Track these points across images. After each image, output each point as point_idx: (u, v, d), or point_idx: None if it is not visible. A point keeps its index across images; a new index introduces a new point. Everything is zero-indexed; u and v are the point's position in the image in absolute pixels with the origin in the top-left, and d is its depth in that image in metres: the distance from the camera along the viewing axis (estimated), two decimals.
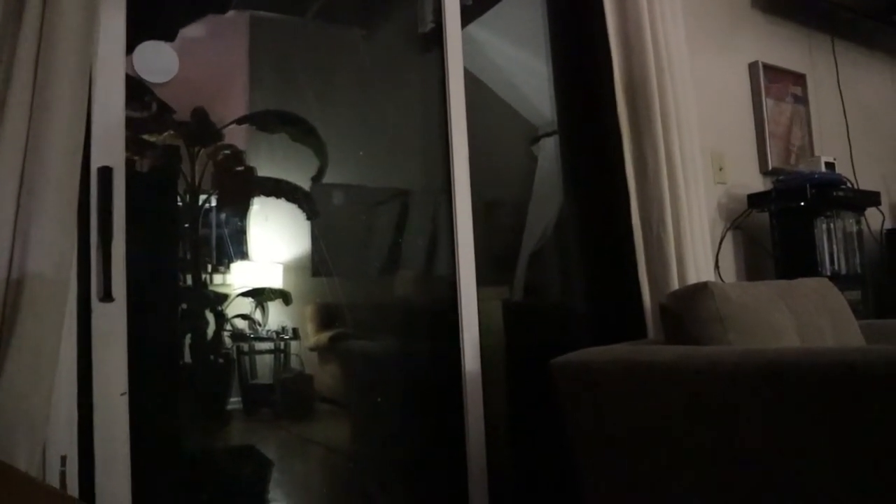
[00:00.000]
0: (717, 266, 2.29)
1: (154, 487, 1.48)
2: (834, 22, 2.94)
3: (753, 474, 1.21)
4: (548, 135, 2.38)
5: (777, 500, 1.18)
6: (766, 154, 2.60)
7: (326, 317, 1.98)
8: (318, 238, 1.92)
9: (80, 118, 1.25)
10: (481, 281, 1.95)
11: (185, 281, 1.77)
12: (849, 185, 2.49)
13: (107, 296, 1.35)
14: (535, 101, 2.41)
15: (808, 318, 1.67)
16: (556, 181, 2.34)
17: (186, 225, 1.78)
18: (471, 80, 2.08)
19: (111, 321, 1.37)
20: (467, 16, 2.12)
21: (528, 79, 2.43)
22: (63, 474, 1.24)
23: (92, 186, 1.37)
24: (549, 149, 2.38)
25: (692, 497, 1.31)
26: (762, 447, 1.20)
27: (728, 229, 2.42)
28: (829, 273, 2.29)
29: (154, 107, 1.65)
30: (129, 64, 1.52)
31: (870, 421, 1.07)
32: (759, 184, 2.58)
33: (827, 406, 1.11)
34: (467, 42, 2.09)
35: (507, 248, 2.32)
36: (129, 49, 1.50)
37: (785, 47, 2.81)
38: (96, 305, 1.35)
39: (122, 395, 1.36)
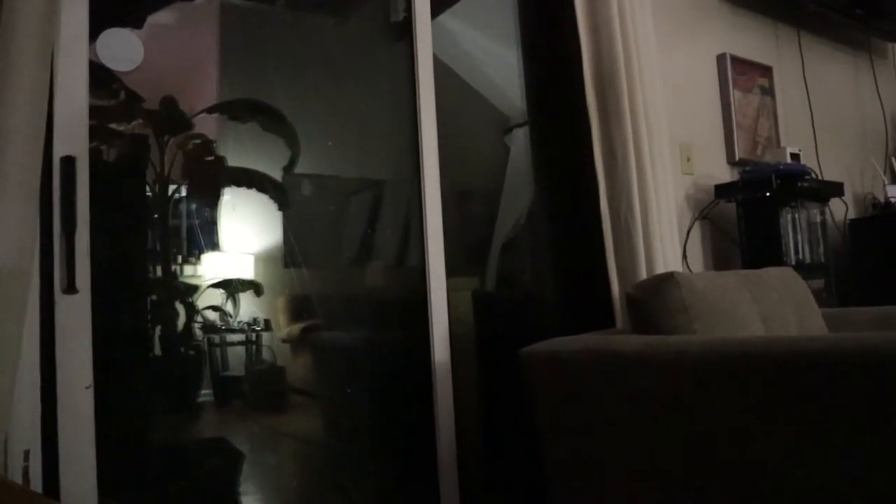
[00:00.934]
0: (684, 256, 2.32)
1: (121, 482, 1.47)
2: (800, 15, 2.99)
3: (720, 461, 1.24)
4: (520, 125, 2.39)
5: (744, 485, 1.20)
6: (733, 145, 2.64)
7: (298, 308, 1.97)
8: (290, 229, 1.90)
9: (40, 106, 1.22)
10: (452, 271, 1.96)
11: (154, 272, 1.75)
12: (813, 175, 2.53)
13: (70, 288, 1.33)
14: (508, 91, 2.42)
15: (772, 306, 1.71)
16: (527, 171, 2.35)
17: (155, 215, 1.76)
18: (445, 71, 2.08)
19: (75, 313, 1.35)
20: (439, 5, 2.12)
21: (501, 69, 2.44)
22: (26, 469, 1.22)
23: (55, 176, 1.35)
24: (521, 139, 2.39)
25: (660, 483, 1.34)
26: (727, 434, 1.22)
27: (696, 219, 2.45)
28: (793, 262, 2.33)
29: (122, 95, 1.63)
30: (94, 52, 1.49)
31: (831, 408, 1.09)
32: (726, 174, 2.62)
33: (790, 393, 1.14)
34: (441, 32, 2.09)
35: (479, 238, 2.32)
36: (94, 36, 1.48)
37: (752, 39, 2.85)
38: (60, 297, 1.33)
39: (87, 388, 1.35)
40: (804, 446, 1.12)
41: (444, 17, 2.20)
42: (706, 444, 1.25)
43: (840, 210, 2.81)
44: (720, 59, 2.69)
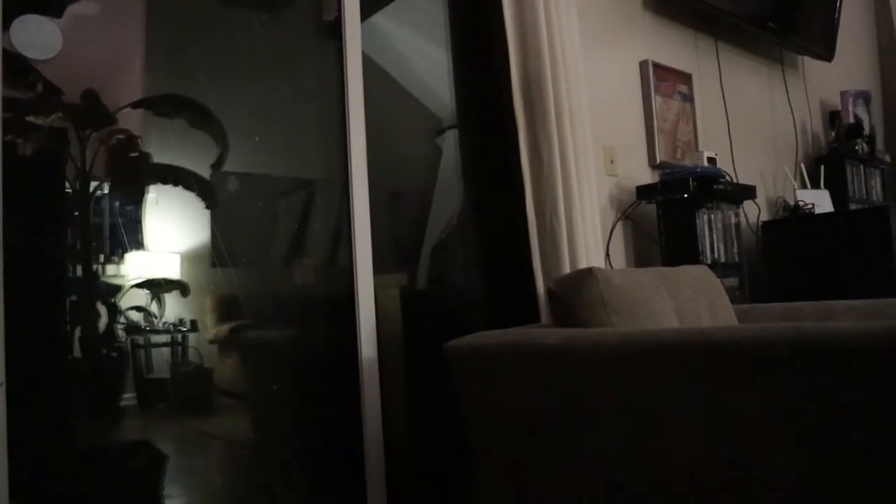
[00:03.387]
0: (607, 254, 2.40)
1: (36, 485, 1.42)
2: (718, 26, 3.12)
3: (637, 448, 1.27)
4: (452, 127, 2.42)
5: (661, 474, 1.25)
6: (654, 148, 2.74)
7: (226, 308, 1.94)
8: (218, 227, 1.88)
9: None
10: (382, 269, 1.97)
11: (74, 271, 1.70)
12: (728, 179, 2.64)
13: None
14: (440, 93, 2.45)
15: (686, 302, 1.78)
16: (459, 173, 2.39)
17: (76, 212, 1.71)
18: (377, 71, 2.09)
19: None
20: (371, 5, 2.13)
21: (433, 72, 2.47)
22: None
23: None
24: (453, 141, 2.42)
25: (580, 473, 1.37)
26: (643, 423, 1.26)
27: (618, 219, 2.53)
28: (709, 261, 2.43)
29: (39, 87, 1.58)
30: (7, 40, 1.45)
31: (739, 396, 1.14)
32: (647, 176, 2.71)
33: (700, 382, 1.19)
34: (374, 32, 2.10)
35: (411, 237, 2.34)
36: (7, 23, 1.43)
37: (673, 48, 2.96)
38: None
39: None
40: (715, 434, 1.17)
41: (376, 18, 2.22)
42: (624, 434, 1.29)
43: (753, 212, 2.95)
44: (643, 65, 2.79)
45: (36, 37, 1.54)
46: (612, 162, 2.55)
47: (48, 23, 1.58)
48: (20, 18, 1.49)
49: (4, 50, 1.40)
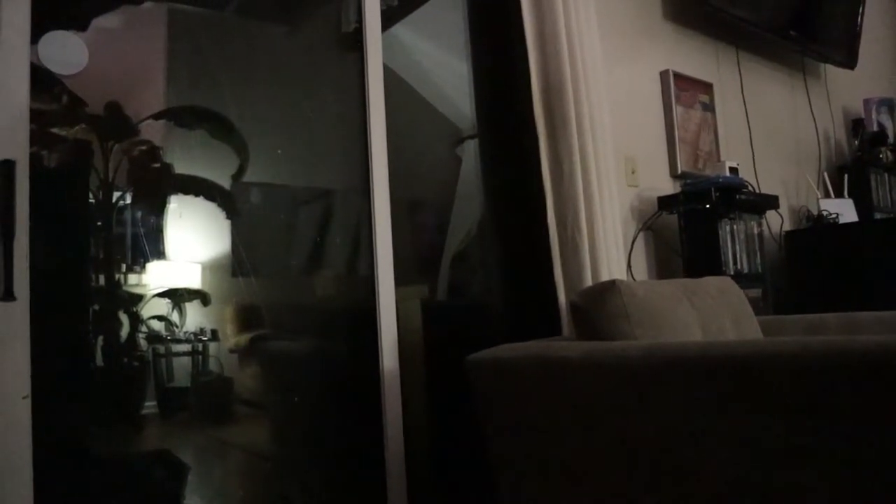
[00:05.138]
0: (629, 265, 2.38)
1: (60, 495, 1.43)
2: (738, 35, 3.10)
3: (659, 462, 1.26)
4: (471, 137, 2.42)
5: (681, 484, 1.23)
6: (675, 158, 2.72)
7: (246, 318, 1.94)
8: (238, 237, 1.89)
9: None
10: (403, 281, 1.97)
11: (97, 281, 1.72)
12: (751, 189, 2.62)
13: (8, 294, 1.30)
14: (459, 103, 2.45)
15: (710, 314, 1.76)
16: (478, 183, 2.38)
17: (99, 223, 1.72)
18: (397, 82, 2.10)
19: (13, 321, 1.31)
20: (392, 16, 2.14)
21: (452, 81, 2.47)
22: None
23: None
24: (472, 151, 2.42)
25: (603, 486, 1.36)
26: (666, 437, 1.24)
27: (640, 230, 2.52)
28: (732, 272, 2.40)
29: (64, 99, 1.60)
30: (35, 54, 1.47)
31: (764, 409, 1.13)
32: (669, 187, 2.69)
33: (725, 396, 1.17)
34: (394, 43, 2.11)
35: (431, 248, 2.34)
36: (36, 38, 1.45)
37: (694, 57, 2.94)
38: None
39: (24, 398, 1.31)
40: (740, 447, 1.15)
41: (396, 29, 2.22)
42: (647, 448, 1.28)
43: (776, 222, 2.91)
44: (663, 75, 2.77)
45: (62, 53, 1.56)
46: (633, 172, 2.54)
47: (75, 39, 1.60)
48: (48, 34, 1.51)
49: (32, 64, 1.41)
